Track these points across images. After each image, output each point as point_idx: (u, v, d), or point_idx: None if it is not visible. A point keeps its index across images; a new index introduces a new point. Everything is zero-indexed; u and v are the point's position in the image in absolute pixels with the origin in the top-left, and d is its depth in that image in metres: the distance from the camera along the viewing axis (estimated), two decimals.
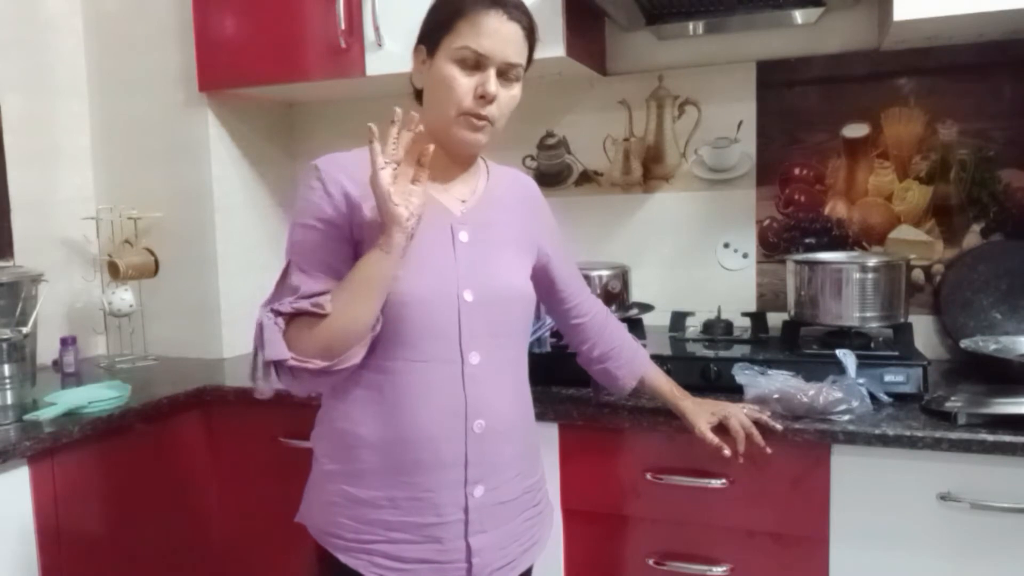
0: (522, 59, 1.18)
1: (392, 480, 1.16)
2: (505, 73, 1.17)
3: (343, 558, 1.18)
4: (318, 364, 1.10)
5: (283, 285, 1.16)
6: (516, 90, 1.20)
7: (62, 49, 2.31)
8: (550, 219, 1.40)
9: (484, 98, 1.15)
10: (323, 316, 1.10)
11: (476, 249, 1.21)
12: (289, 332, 1.12)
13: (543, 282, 1.36)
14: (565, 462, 1.62)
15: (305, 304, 1.11)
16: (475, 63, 1.15)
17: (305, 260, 1.15)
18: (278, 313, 1.12)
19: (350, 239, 1.16)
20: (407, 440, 1.15)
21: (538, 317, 1.71)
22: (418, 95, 1.25)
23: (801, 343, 1.75)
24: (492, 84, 1.15)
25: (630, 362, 1.47)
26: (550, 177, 2.23)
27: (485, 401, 1.18)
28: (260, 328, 1.12)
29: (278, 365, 1.11)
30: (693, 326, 1.99)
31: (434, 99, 1.19)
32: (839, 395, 1.45)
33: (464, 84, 1.15)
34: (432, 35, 1.19)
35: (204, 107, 2.23)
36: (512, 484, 1.23)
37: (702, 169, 2.11)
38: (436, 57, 1.17)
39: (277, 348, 1.10)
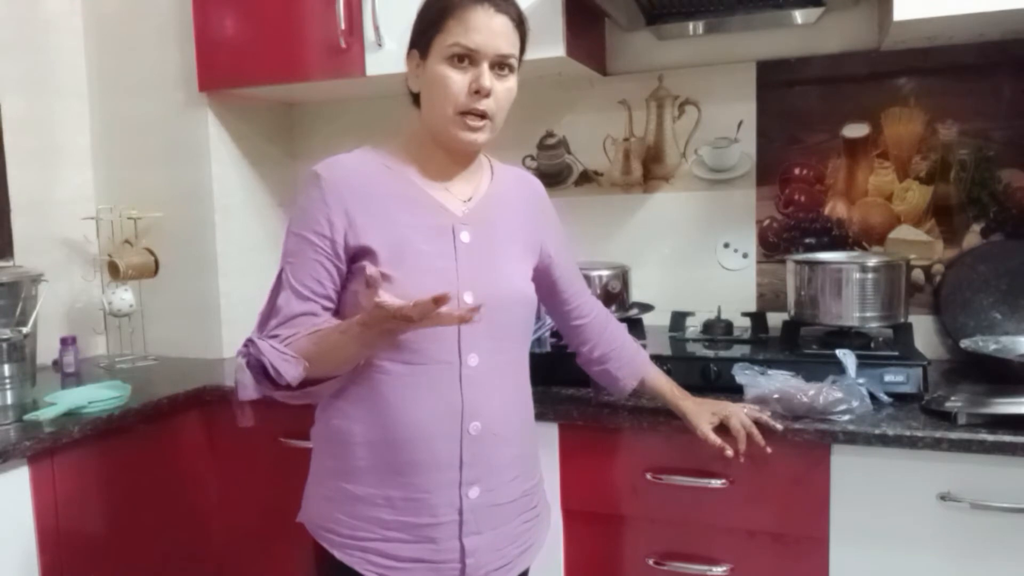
0: (514, 50, 1.18)
1: (387, 479, 1.16)
2: (499, 66, 1.17)
3: (339, 555, 1.18)
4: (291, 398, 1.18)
5: (273, 302, 1.19)
6: (512, 82, 1.20)
7: (62, 49, 2.30)
8: (554, 219, 1.40)
9: (479, 92, 1.15)
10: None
11: (478, 250, 1.21)
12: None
13: (545, 282, 1.36)
14: (565, 462, 1.61)
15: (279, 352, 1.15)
16: (467, 59, 1.15)
17: (295, 273, 1.17)
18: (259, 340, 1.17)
19: (342, 254, 1.17)
20: (402, 441, 1.15)
21: (538, 317, 1.71)
22: (415, 99, 1.26)
23: (801, 343, 1.75)
24: (486, 78, 1.15)
25: (630, 363, 1.47)
26: (550, 177, 2.23)
27: (482, 403, 1.18)
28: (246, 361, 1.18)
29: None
30: (693, 326, 1.99)
31: (431, 100, 1.19)
32: (839, 395, 1.45)
33: (458, 81, 1.15)
34: (423, 37, 1.19)
35: (204, 107, 2.23)
36: (511, 486, 1.23)
37: (702, 169, 2.11)
38: (429, 59, 1.18)
39: (248, 390, 1.19)
